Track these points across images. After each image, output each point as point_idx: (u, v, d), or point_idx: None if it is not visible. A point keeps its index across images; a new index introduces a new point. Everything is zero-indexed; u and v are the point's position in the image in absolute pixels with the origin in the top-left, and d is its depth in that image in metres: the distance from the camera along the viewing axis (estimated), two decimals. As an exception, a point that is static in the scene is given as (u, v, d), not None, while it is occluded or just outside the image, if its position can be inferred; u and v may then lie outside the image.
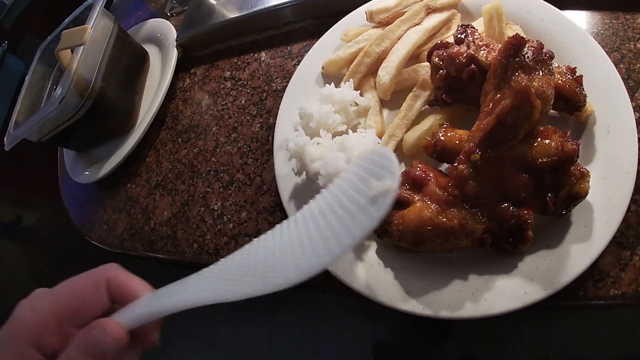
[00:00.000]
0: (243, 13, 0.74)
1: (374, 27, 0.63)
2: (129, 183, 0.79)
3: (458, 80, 0.52)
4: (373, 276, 0.49)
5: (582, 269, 0.43)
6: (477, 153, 0.43)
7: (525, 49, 0.46)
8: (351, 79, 0.60)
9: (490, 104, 0.46)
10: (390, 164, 0.26)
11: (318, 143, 0.53)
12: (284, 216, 0.56)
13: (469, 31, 0.53)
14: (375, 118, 0.58)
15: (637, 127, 0.50)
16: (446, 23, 0.62)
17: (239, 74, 0.75)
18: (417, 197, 0.44)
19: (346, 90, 0.58)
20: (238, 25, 0.76)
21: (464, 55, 0.50)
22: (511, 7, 0.61)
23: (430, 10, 0.62)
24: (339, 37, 0.65)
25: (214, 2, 0.81)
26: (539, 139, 0.45)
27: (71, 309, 0.32)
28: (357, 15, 0.66)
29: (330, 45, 0.66)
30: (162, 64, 0.85)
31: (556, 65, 0.52)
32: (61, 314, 0.31)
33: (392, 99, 0.60)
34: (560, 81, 0.50)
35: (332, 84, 0.59)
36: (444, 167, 0.54)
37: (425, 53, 0.60)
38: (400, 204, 0.45)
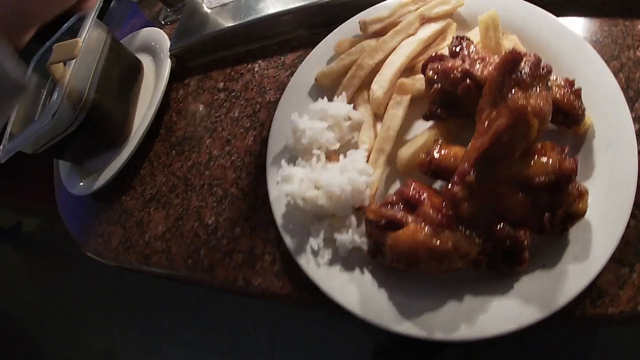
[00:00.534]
0: (236, 23, 0.74)
1: (367, 39, 0.62)
2: (124, 195, 0.79)
3: (453, 95, 0.51)
4: (366, 295, 0.48)
5: (580, 289, 0.42)
6: (472, 174, 0.42)
7: (523, 64, 0.44)
8: (344, 92, 0.59)
9: (486, 122, 0.45)
10: None
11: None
12: (278, 233, 0.55)
13: (464, 44, 0.52)
14: (369, 133, 0.57)
15: (637, 139, 0.49)
16: (441, 33, 0.61)
17: (233, 85, 0.74)
18: (410, 218, 0.44)
19: (339, 105, 0.57)
20: (231, 35, 0.75)
21: (459, 69, 0.49)
22: (508, 16, 0.60)
23: (425, 20, 0.61)
24: (333, 48, 0.64)
25: (208, 11, 0.80)
26: (536, 157, 0.44)
27: None
28: (351, 25, 0.65)
29: (324, 56, 0.65)
30: (155, 74, 0.84)
31: (554, 78, 0.51)
32: None
33: (386, 112, 0.58)
34: (558, 95, 0.49)
35: (325, 97, 0.59)
36: (440, 182, 0.53)
37: (420, 64, 0.59)
38: (394, 225, 0.44)
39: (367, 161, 0.55)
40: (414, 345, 1.21)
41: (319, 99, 0.58)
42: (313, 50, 0.65)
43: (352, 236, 0.51)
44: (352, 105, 0.58)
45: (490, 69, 0.49)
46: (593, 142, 0.52)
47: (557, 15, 0.58)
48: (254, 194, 0.64)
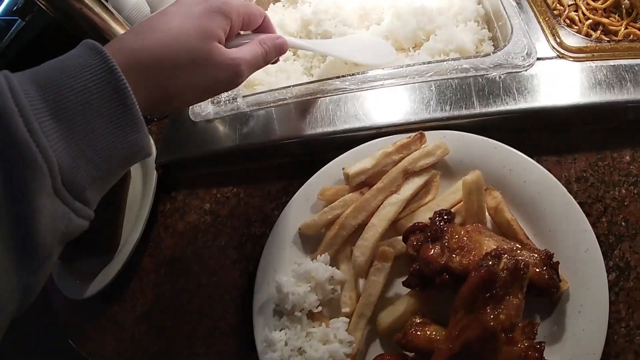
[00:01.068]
0: (218, 147, 0.74)
1: (351, 191, 0.62)
2: (116, 306, 0.80)
3: (432, 278, 0.52)
4: None
5: None
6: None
7: (500, 269, 0.46)
8: (326, 253, 0.60)
9: (458, 327, 0.47)
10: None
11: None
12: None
13: (444, 227, 0.53)
14: (351, 294, 0.58)
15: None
16: (425, 186, 0.61)
17: (219, 209, 0.75)
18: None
19: (322, 268, 0.58)
20: (214, 157, 0.75)
21: (438, 261, 0.51)
22: (493, 166, 0.61)
23: (409, 174, 0.61)
24: (315, 193, 0.64)
25: (193, 122, 0.79)
26: (504, 347, 0.47)
27: (248, 19, 0.54)
28: (333, 169, 0.65)
29: (306, 200, 0.65)
30: (142, 182, 0.84)
31: (533, 255, 0.52)
32: (244, 17, 0.53)
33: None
34: (535, 275, 0.51)
35: (309, 257, 0.60)
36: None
37: (403, 221, 0.61)
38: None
39: (348, 326, 0.57)
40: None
41: (303, 261, 0.60)
42: (294, 196, 0.65)
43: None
44: (334, 268, 0.59)
45: (470, 258, 0.51)
46: (566, 306, 0.54)
47: (548, 148, 0.59)
48: (244, 333, 0.65)
